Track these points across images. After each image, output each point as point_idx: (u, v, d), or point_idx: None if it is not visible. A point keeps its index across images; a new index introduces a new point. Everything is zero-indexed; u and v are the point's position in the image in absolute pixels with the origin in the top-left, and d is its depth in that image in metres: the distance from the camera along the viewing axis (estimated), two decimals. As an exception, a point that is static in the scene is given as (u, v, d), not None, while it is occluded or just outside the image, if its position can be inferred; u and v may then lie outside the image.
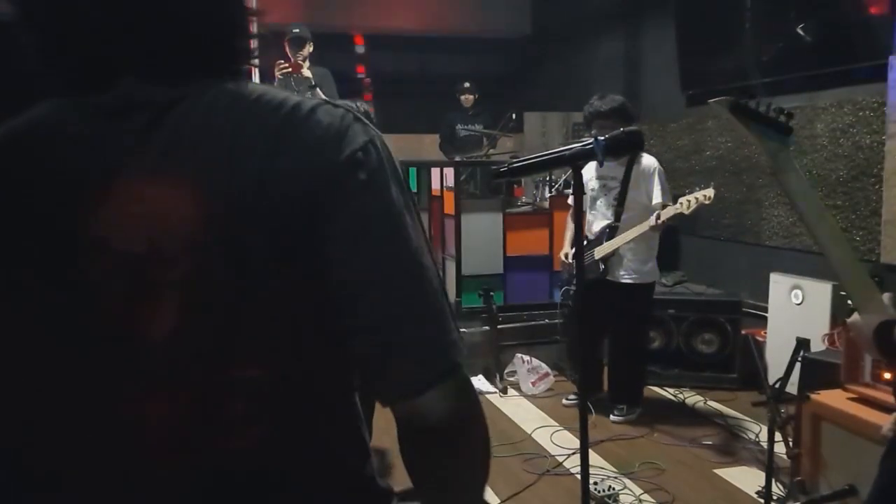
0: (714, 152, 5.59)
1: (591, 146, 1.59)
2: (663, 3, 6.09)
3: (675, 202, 3.78)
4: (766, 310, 4.50)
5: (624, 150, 1.63)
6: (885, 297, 1.40)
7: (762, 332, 4.44)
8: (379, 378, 0.77)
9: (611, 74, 7.15)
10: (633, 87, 6.88)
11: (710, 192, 3.69)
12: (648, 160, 3.99)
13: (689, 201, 3.71)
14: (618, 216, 3.96)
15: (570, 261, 4.17)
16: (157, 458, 0.77)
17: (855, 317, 1.42)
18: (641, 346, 4.20)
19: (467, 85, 7.01)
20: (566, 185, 5.14)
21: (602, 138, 1.59)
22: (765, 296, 4.46)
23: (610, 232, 3.96)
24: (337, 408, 0.86)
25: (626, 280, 3.98)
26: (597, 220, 4.07)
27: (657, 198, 3.91)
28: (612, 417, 4.08)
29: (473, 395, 0.80)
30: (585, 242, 4.14)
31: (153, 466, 0.78)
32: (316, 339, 0.80)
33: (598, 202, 4.07)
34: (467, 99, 6.99)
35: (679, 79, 5.88)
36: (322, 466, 0.83)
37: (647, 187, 3.95)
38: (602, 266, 3.99)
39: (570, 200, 4.33)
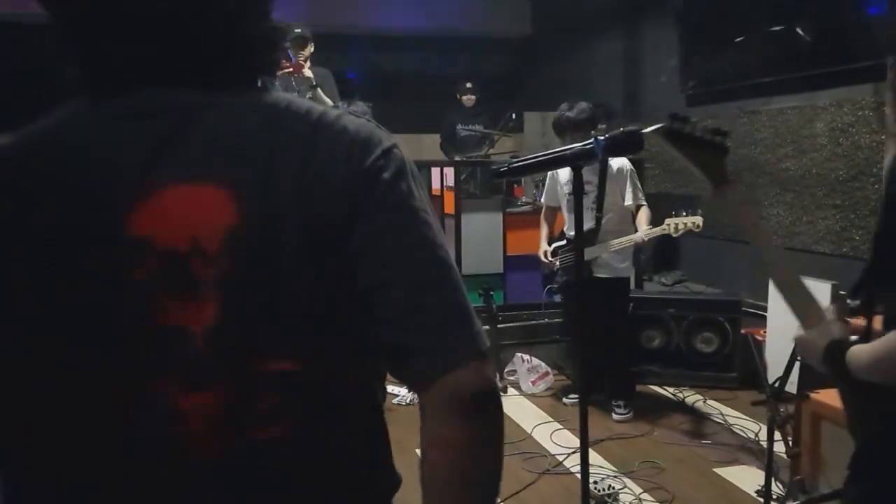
0: (714, 152, 5.59)
1: (591, 146, 1.60)
2: (663, 3, 6.09)
3: (652, 212, 3.87)
4: (765, 309, 4.50)
5: (624, 149, 1.64)
6: (828, 310, 1.35)
7: (762, 332, 4.44)
8: (418, 356, 0.81)
9: (611, 74, 7.16)
10: (633, 87, 6.89)
11: (698, 220, 3.78)
12: (620, 161, 4.02)
13: (676, 224, 3.79)
14: (598, 220, 3.99)
15: (549, 259, 4.19)
16: (192, 450, 0.80)
17: (800, 332, 1.37)
18: (625, 341, 4.22)
19: (469, 85, 7.02)
20: (549, 189, 5.04)
21: (602, 138, 1.59)
22: (764, 295, 4.46)
23: (590, 236, 3.96)
24: (362, 399, 0.90)
25: (601, 275, 4.00)
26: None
27: (629, 200, 4.00)
28: (614, 416, 4.10)
29: (496, 383, 0.87)
30: (564, 242, 4.16)
31: (188, 458, 0.80)
32: (347, 335, 0.84)
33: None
34: (469, 99, 6.99)
35: (679, 79, 5.89)
36: (346, 456, 0.87)
37: (621, 189, 4.02)
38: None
39: (543, 199, 4.41)
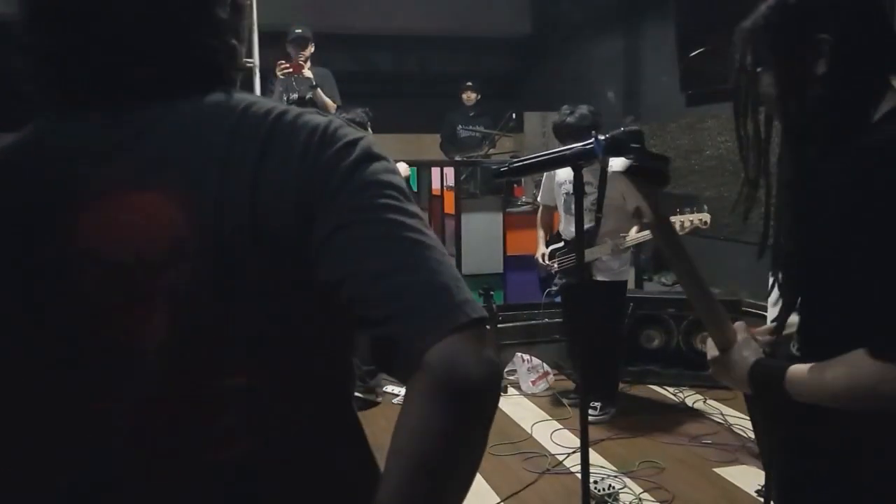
0: (714, 152, 5.59)
1: (591, 146, 1.60)
2: (663, 3, 6.09)
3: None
4: (765, 309, 4.49)
5: (625, 149, 1.64)
6: (738, 326, 1.30)
7: (762, 332, 4.44)
8: (395, 345, 0.71)
9: (611, 74, 7.16)
10: (633, 87, 6.89)
11: (706, 216, 3.66)
12: (621, 162, 3.96)
13: (682, 222, 3.70)
14: (598, 221, 3.94)
15: (547, 262, 4.17)
16: (148, 467, 0.77)
17: (714, 353, 1.31)
18: (613, 345, 4.14)
19: (470, 83, 7.03)
20: (545, 189, 4.99)
21: (603, 138, 1.59)
22: (764, 295, 4.45)
23: (589, 236, 3.93)
24: (331, 411, 0.85)
25: (599, 278, 3.98)
26: (572, 224, 4.07)
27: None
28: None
29: (496, 356, 0.74)
30: (562, 244, 4.14)
31: (144, 475, 0.77)
32: (310, 342, 0.80)
33: (574, 206, 4.04)
34: (469, 97, 7.00)
35: (679, 79, 5.89)
36: (316, 469, 0.83)
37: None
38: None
39: (539, 199, 4.36)
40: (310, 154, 0.77)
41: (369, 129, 3.66)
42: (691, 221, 3.70)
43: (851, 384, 1.04)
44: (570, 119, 3.86)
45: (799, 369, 1.13)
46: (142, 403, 0.76)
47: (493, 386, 0.71)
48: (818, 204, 1.12)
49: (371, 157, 0.78)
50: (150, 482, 0.77)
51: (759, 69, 1.19)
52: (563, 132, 3.89)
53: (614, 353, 4.17)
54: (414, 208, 0.78)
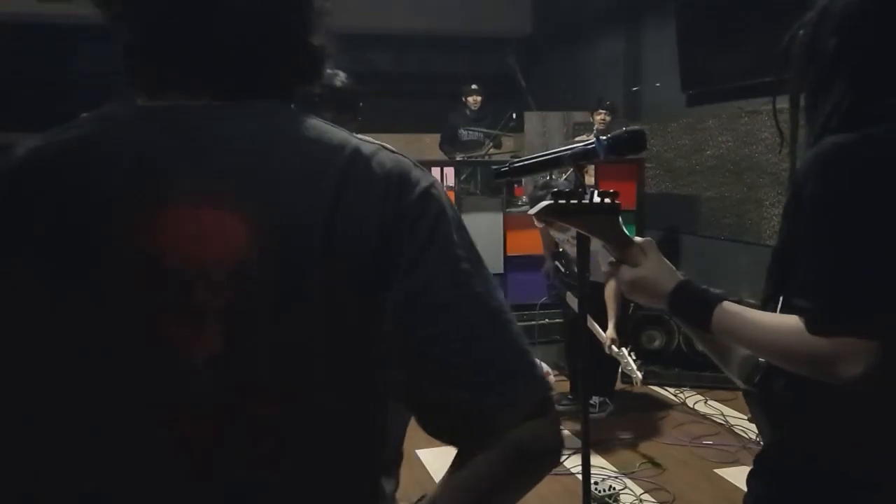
0: (714, 152, 5.59)
1: (592, 146, 1.59)
2: (663, 3, 6.09)
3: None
4: (766, 309, 4.50)
5: (626, 150, 1.63)
6: (646, 241, 1.28)
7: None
8: (479, 409, 0.75)
9: (611, 74, 7.15)
10: (633, 87, 6.88)
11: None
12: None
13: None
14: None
15: (552, 278, 4.17)
16: (184, 485, 0.76)
17: (628, 271, 1.28)
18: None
19: (474, 87, 7.02)
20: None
21: (604, 138, 1.58)
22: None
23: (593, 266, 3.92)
24: (363, 453, 0.84)
25: (594, 279, 3.96)
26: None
27: None
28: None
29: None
30: (564, 262, 4.13)
31: (180, 492, 0.77)
32: (354, 384, 0.79)
33: None
34: (475, 100, 7.00)
35: (679, 79, 5.88)
36: None
37: None
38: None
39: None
40: (390, 197, 0.77)
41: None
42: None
43: (783, 343, 1.10)
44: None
45: (734, 304, 1.18)
46: (183, 417, 0.75)
47: (557, 459, 0.80)
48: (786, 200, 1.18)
49: (444, 211, 0.80)
50: (180, 493, 0.76)
51: (800, 64, 1.22)
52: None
53: (611, 358, 4.06)
54: (485, 270, 0.81)
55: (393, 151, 0.82)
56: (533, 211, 1.35)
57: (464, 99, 7.04)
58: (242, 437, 0.76)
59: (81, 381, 0.77)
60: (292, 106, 0.85)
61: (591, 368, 4.08)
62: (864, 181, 1.06)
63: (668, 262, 1.28)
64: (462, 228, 0.82)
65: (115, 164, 0.77)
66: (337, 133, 0.81)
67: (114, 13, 0.81)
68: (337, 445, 0.80)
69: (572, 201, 1.29)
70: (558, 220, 1.34)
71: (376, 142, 0.83)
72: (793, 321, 1.07)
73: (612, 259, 1.30)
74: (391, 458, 0.84)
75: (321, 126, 0.81)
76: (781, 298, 1.19)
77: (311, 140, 0.79)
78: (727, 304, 1.18)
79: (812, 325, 1.04)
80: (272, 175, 0.76)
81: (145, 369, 0.75)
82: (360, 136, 0.82)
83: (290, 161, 0.77)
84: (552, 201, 1.29)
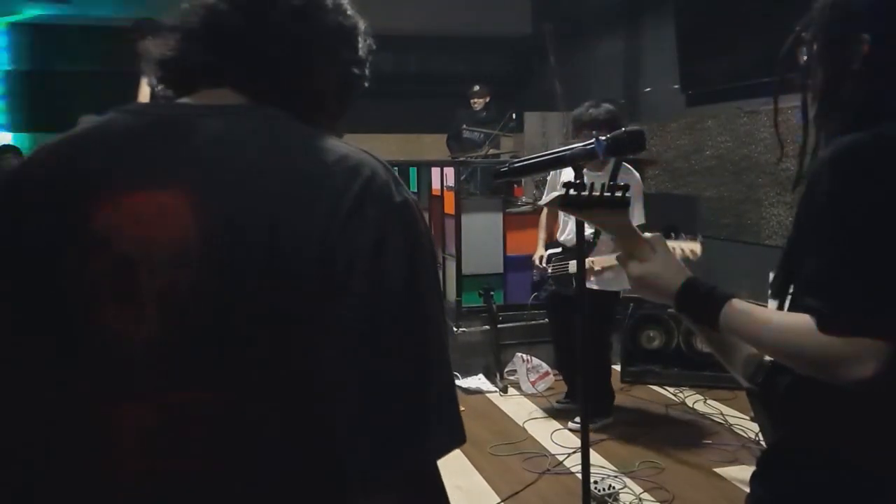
0: (714, 152, 5.59)
1: (592, 146, 1.59)
2: (663, 3, 6.10)
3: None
4: (765, 309, 4.50)
5: (626, 150, 1.63)
6: (656, 236, 1.29)
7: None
8: (392, 445, 0.76)
9: (611, 74, 7.16)
10: (633, 87, 6.89)
11: (697, 247, 3.48)
12: (633, 177, 3.86)
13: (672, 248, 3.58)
14: (598, 231, 3.77)
15: (543, 265, 4.11)
16: (117, 467, 0.77)
17: (636, 266, 1.28)
18: (602, 355, 4.03)
19: (477, 88, 7.04)
20: (549, 191, 4.93)
21: (604, 138, 1.59)
22: (765, 295, 4.45)
23: (588, 245, 3.80)
24: (304, 448, 0.81)
25: (588, 286, 3.88)
26: (573, 230, 4.03)
27: (639, 219, 3.78)
28: (570, 425, 3.96)
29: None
30: (560, 250, 4.09)
31: (113, 475, 0.77)
32: (286, 377, 0.77)
33: None
34: (478, 102, 7.03)
35: (679, 79, 5.89)
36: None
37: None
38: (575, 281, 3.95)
39: (543, 199, 4.28)
40: (342, 208, 0.76)
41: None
42: (681, 250, 3.47)
43: (792, 342, 1.09)
44: (592, 110, 3.79)
45: (743, 302, 1.17)
46: (119, 394, 0.76)
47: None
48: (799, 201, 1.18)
49: (414, 226, 0.80)
50: (119, 479, 0.77)
51: (809, 63, 1.22)
52: (582, 124, 3.80)
53: (603, 365, 4.05)
54: (438, 294, 0.82)
55: (381, 163, 0.83)
56: (544, 201, 1.36)
57: (470, 100, 7.08)
58: (175, 424, 0.76)
59: (25, 364, 0.79)
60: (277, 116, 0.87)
61: (577, 372, 4.02)
62: (879, 180, 1.06)
63: (677, 258, 1.28)
64: (426, 247, 0.81)
65: (93, 157, 0.81)
66: (350, 156, 0.81)
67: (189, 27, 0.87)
68: (272, 439, 0.78)
69: (583, 194, 1.28)
70: (568, 213, 1.33)
71: (374, 156, 0.83)
72: (802, 320, 1.06)
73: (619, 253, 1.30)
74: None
75: (307, 132, 0.84)
76: (790, 296, 1.19)
77: (290, 142, 0.82)
78: (735, 302, 1.18)
79: (824, 324, 1.03)
80: (235, 170, 0.78)
81: (85, 352, 0.77)
82: (354, 146, 0.83)
83: (258, 160, 0.79)
84: (562, 193, 1.30)
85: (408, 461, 0.77)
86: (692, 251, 3.44)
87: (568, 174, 4.27)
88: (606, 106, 3.85)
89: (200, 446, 0.77)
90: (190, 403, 0.76)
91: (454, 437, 0.79)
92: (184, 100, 0.88)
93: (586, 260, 3.73)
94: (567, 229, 4.06)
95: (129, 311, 0.76)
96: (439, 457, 0.78)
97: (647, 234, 1.30)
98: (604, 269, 3.74)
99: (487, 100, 7.08)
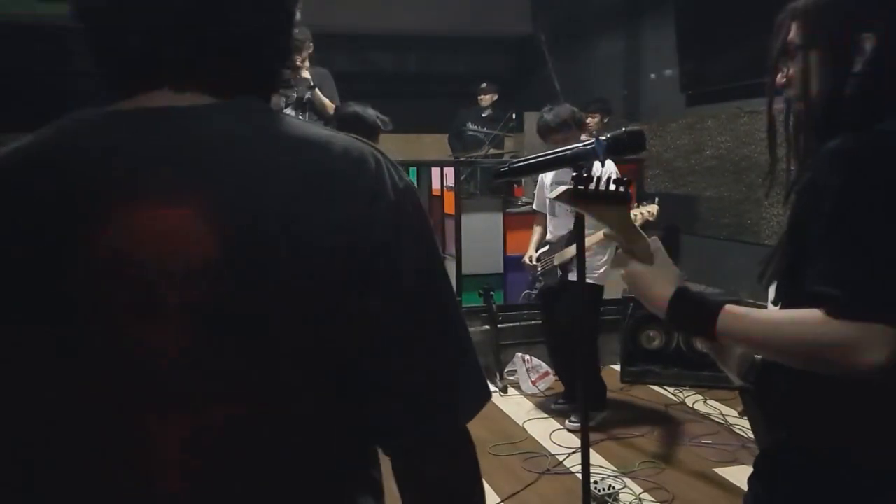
0: (714, 152, 5.59)
1: (592, 146, 1.60)
2: (663, 3, 6.10)
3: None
4: (765, 308, 4.50)
5: (626, 150, 1.64)
6: (653, 241, 1.29)
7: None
8: (428, 410, 0.81)
9: (611, 74, 7.16)
10: (633, 87, 6.89)
11: (653, 208, 3.67)
12: (608, 165, 3.81)
13: (633, 216, 3.63)
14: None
15: (534, 263, 4.14)
16: (157, 479, 0.76)
17: (635, 265, 1.28)
18: (589, 349, 4.03)
19: (485, 85, 7.05)
20: (538, 195, 4.85)
21: (604, 138, 1.59)
22: (764, 295, 4.46)
23: (569, 238, 3.86)
24: (336, 459, 0.83)
25: (572, 278, 3.92)
26: (557, 227, 4.06)
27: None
28: (567, 424, 3.98)
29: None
30: (547, 247, 4.11)
31: (153, 488, 0.76)
32: (319, 385, 0.78)
33: (557, 207, 4.02)
34: (485, 98, 7.03)
35: (679, 79, 5.89)
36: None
37: None
38: (560, 272, 3.97)
39: (535, 206, 4.36)
40: (365, 201, 0.77)
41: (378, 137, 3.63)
42: (641, 214, 3.66)
43: (803, 335, 1.07)
44: (546, 117, 3.89)
45: (737, 306, 1.16)
46: (147, 417, 0.75)
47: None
48: (797, 199, 1.18)
49: (413, 215, 0.81)
50: (156, 490, 0.76)
51: (800, 50, 1.20)
52: (541, 132, 3.93)
53: (592, 359, 4.05)
54: (442, 266, 0.84)
55: (379, 151, 0.82)
56: (553, 195, 1.35)
57: (478, 97, 7.09)
58: (207, 436, 0.75)
59: (49, 381, 0.76)
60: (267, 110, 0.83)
61: (588, 373, 4.02)
62: (884, 174, 1.06)
63: (673, 266, 1.27)
64: (430, 236, 0.84)
65: (84, 165, 0.76)
66: (317, 134, 0.80)
67: (106, 16, 0.79)
68: (305, 448, 0.79)
69: (589, 187, 1.28)
70: (573, 206, 1.33)
71: (367, 142, 0.82)
72: (806, 313, 1.06)
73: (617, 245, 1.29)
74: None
75: (301, 129, 0.80)
76: (786, 295, 1.19)
77: (292, 138, 0.79)
78: (730, 308, 1.16)
79: (838, 310, 1.03)
80: (244, 173, 0.75)
81: (109, 369, 0.74)
82: (343, 134, 0.82)
83: (265, 159, 0.76)
84: (572, 186, 1.29)
85: (442, 425, 0.83)
86: (650, 212, 3.69)
87: (547, 177, 4.29)
88: (562, 109, 3.90)
89: (237, 456, 0.76)
90: (226, 415, 0.75)
91: (483, 396, 0.86)
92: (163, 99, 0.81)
93: (567, 249, 3.81)
94: (551, 227, 4.09)
95: (152, 328, 0.73)
96: (471, 417, 0.84)
97: (653, 239, 1.30)
98: (592, 247, 3.72)
99: (495, 98, 7.08)
